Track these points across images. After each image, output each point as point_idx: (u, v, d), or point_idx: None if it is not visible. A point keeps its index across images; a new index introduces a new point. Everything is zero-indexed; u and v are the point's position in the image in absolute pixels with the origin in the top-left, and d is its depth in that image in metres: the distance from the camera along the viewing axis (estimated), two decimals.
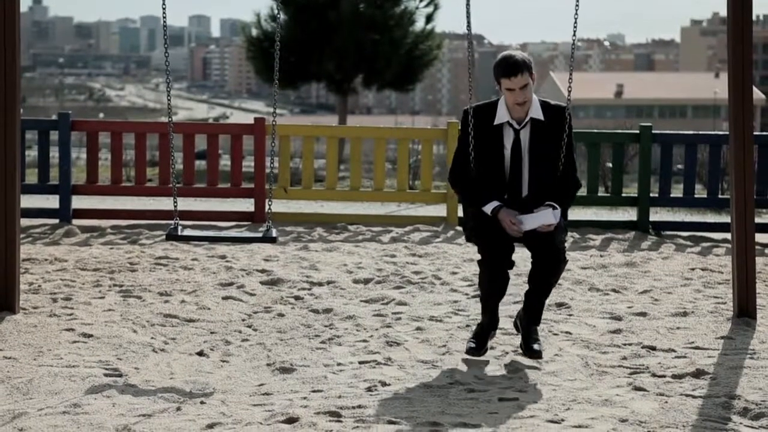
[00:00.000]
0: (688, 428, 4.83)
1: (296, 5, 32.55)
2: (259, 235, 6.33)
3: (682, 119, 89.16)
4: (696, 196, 11.71)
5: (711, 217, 12.58)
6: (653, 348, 6.37)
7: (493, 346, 6.24)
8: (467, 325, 6.96)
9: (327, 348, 6.40)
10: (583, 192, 10.85)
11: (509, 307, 7.02)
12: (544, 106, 5.88)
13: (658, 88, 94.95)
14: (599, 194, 12.07)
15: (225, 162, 15.99)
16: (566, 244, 5.95)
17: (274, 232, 6.25)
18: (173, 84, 6.81)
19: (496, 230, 5.79)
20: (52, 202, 11.68)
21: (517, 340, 6.33)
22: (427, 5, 34.09)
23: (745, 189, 7.05)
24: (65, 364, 5.88)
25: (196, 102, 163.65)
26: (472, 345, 5.97)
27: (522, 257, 6.47)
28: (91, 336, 6.51)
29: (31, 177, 12.59)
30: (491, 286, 5.90)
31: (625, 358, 6.15)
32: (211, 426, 4.82)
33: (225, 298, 7.72)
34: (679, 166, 13.17)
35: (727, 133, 7.50)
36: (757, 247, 8.06)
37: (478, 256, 5.93)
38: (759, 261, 8.68)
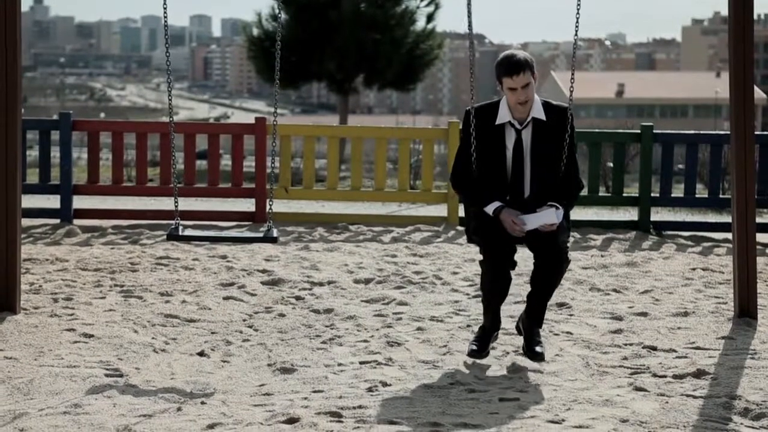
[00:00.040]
0: (689, 428, 4.83)
1: (297, 5, 32.57)
2: (260, 235, 6.33)
3: (683, 119, 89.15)
4: (697, 195, 11.71)
5: (712, 217, 12.58)
6: (654, 348, 6.36)
7: (493, 346, 6.24)
8: (468, 325, 6.95)
9: (328, 348, 6.40)
10: (584, 192, 10.85)
11: (510, 307, 7.01)
12: (546, 106, 5.84)
13: (659, 87, 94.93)
14: (600, 194, 12.06)
15: (226, 162, 15.97)
16: (568, 245, 5.91)
17: (275, 232, 6.25)
18: (174, 84, 6.82)
19: (497, 230, 5.76)
20: (53, 202, 11.68)
21: (518, 340, 6.32)
22: (428, 5, 34.12)
23: (746, 189, 7.05)
24: (66, 364, 5.89)
25: (197, 102, 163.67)
26: (474, 347, 5.93)
27: (523, 257, 6.46)
28: (91, 336, 6.51)
29: (33, 177, 12.59)
30: (493, 287, 5.86)
31: (625, 359, 6.14)
32: (211, 426, 4.82)
33: (226, 298, 7.73)
34: (680, 166, 13.20)
35: (728, 132, 7.50)
36: (758, 247, 8.06)
37: (480, 257, 5.89)
38: (760, 261, 8.68)
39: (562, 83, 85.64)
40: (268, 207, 6.53)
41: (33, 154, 17.30)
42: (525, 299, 7.43)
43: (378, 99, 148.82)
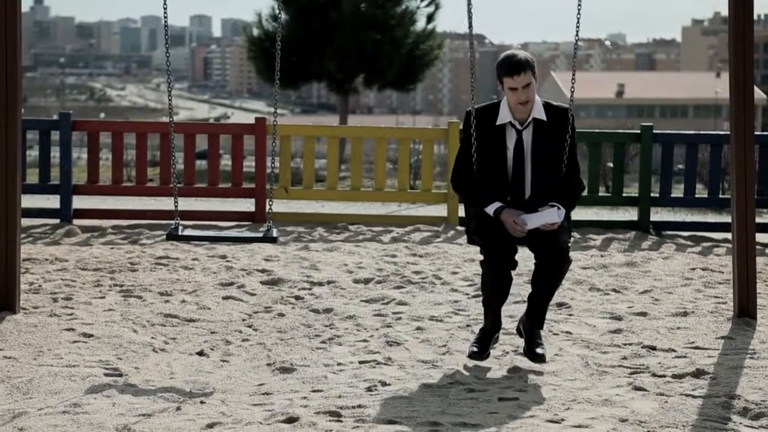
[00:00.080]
0: (688, 428, 4.83)
1: (297, 5, 32.58)
2: (260, 235, 6.33)
3: (683, 119, 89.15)
4: (697, 196, 11.71)
5: (712, 217, 12.58)
6: (653, 348, 6.36)
7: (493, 346, 6.23)
8: (467, 325, 6.96)
9: (327, 348, 6.40)
10: (583, 192, 10.85)
11: (510, 307, 7.01)
12: (547, 107, 5.82)
13: (659, 87, 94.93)
14: (600, 194, 12.07)
15: (226, 162, 15.98)
16: (569, 245, 5.88)
17: (274, 232, 6.25)
18: (174, 84, 6.82)
19: (498, 230, 5.73)
20: (52, 202, 11.68)
21: (517, 339, 6.32)
22: (428, 5, 34.13)
23: (746, 189, 7.05)
24: (65, 363, 5.89)
25: (197, 102, 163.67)
26: (475, 349, 5.89)
27: (523, 257, 6.46)
28: (91, 336, 6.51)
29: (32, 177, 12.59)
30: (494, 287, 5.82)
31: (625, 358, 6.15)
32: (211, 426, 4.82)
33: (225, 297, 7.73)
34: (680, 166, 13.20)
35: (728, 132, 7.51)
36: (757, 247, 8.06)
37: (480, 257, 5.87)
38: (759, 261, 8.68)
39: (562, 83, 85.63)
40: (267, 207, 6.53)
41: (33, 154, 17.30)
42: (525, 299, 7.43)
43: (378, 99, 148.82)
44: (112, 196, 12.42)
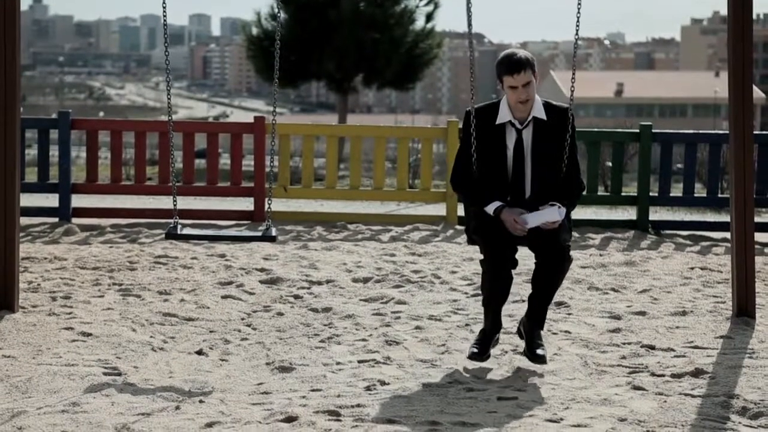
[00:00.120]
0: (687, 427, 4.83)
1: (297, 4, 32.60)
2: (259, 234, 6.33)
3: (682, 118, 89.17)
4: (696, 195, 11.72)
5: (710, 217, 12.59)
6: (652, 347, 6.36)
7: (493, 347, 6.21)
8: (466, 324, 6.96)
9: (326, 347, 6.40)
10: (584, 192, 10.84)
11: (509, 306, 7.00)
12: (547, 106, 5.80)
13: (658, 87, 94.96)
14: (599, 193, 12.07)
15: (225, 161, 15.98)
16: (569, 244, 5.85)
17: (273, 231, 6.25)
18: (173, 83, 6.81)
19: (498, 229, 5.70)
20: (51, 200, 11.68)
21: (516, 338, 6.32)
22: (427, 4, 34.16)
23: (745, 188, 7.05)
24: (64, 362, 5.88)
25: (196, 101, 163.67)
26: (475, 350, 5.83)
27: (523, 256, 6.45)
28: (90, 335, 6.51)
29: (31, 176, 12.59)
30: (494, 287, 5.77)
31: (624, 358, 6.15)
32: (210, 425, 4.82)
33: (224, 297, 7.73)
34: (679, 165, 13.16)
35: (727, 132, 7.50)
36: (756, 246, 8.07)
37: (480, 256, 5.83)
38: (758, 260, 8.68)
39: (562, 83, 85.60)
40: (266, 206, 6.53)
41: (32, 152, 17.28)
42: (524, 299, 7.43)
43: (377, 98, 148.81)
44: (111, 195, 12.42)
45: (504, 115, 5.78)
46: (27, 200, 10.37)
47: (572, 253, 5.74)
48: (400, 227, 11.12)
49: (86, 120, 12.06)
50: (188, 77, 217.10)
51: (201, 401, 5.21)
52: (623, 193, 11.78)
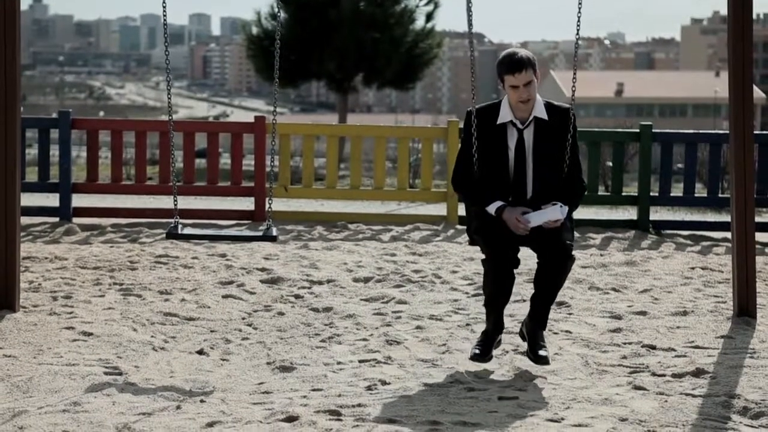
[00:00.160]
0: (688, 427, 4.83)
1: (297, 4, 32.61)
2: (260, 233, 6.33)
3: (682, 118, 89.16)
4: (696, 195, 11.71)
5: (711, 216, 12.58)
6: (653, 347, 6.36)
7: (495, 349, 6.17)
8: (467, 324, 6.96)
9: (327, 347, 6.40)
10: (585, 192, 10.84)
11: (510, 306, 6.98)
12: (548, 106, 5.77)
13: (659, 86, 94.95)
14: (599, 193, 12.07)
15: (225, 160, 16.00)
16: (571, 242, 5.81)
17: (274, 231, 6.25)
18: (173, 82, 6.81)
19: (500, 228, 5.66)
20: (52, 200, 11.68)
21: (517, 338, 6.31)
22: (427, 4, 34.17)
23: (746, 188, 7.05)
24: (65, 362, 5.88)
25: (196, 100, 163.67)
26: (477, 351, 5.77)
27: (524, 256, 6.45)
28: (91, 334, 6.51)
29: (32, 175, 12.59)
30: (496, 287, 5.71)
31: (625, 357, 6.14)
32: (211, 424, 4.82)
33: (225, 296, 7.73)
34: (680, 165, 13.19)
35: (728, 132, 7.50)
36: (757, 246, 8.06)
37: (482, 256, 5.80)
38: (759, 260, 8.68)
39: (562, 82, 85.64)
40: (267, 205, 6.53)
41: (32, 152, 17.29)
42: (524, 299, 7.43)
43: (377, 98, 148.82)
44: (112, 195, 12.42)
45: (505, 115, 5.76)
46: (28, 200, 10.37)
47: (573, 253, 5.72)
48: (400, 227, 11.13)
49: (87, 119, 12.06)
50: (188, 77, 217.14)
51: (202, 401, 5.21)
52: (624, 193, 11.78)
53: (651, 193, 11.48)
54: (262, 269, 8.68)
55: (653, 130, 11.44)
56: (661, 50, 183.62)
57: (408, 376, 5.74)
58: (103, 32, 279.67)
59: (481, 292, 6.23)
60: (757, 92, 74.33)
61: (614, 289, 8.13)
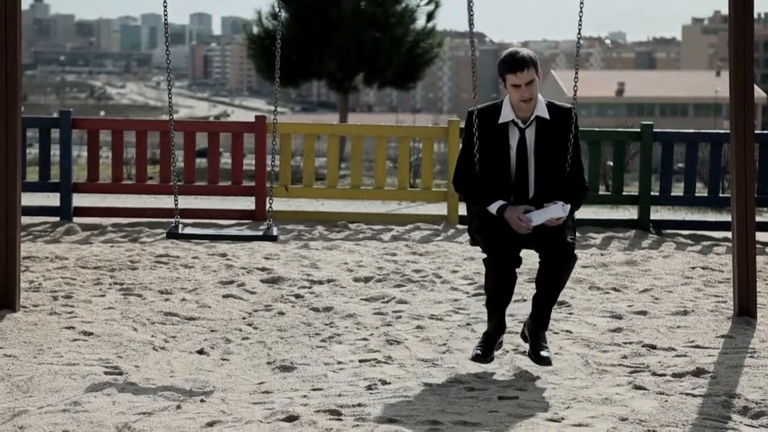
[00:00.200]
0: (688, 427, 4.83)
1: (297, 3, 32.61)
2: (260, 233, 6.33)
3: (683, 118, 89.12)
4: (697, 194, 11.71)
5: (712, 216, 12.58)
6: (653, 347, 6.36)
7: (497, 350, 6.15)
8: (468, 324, 6.95)
9: (327, 346, 6.40)
10: (588, 192, 10.84)
11: (510, 306, 6.97)
12: (550, 106, 5.75)
13: (660, 86, 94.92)
14: (600, 193, 12.07)
15: (226, 160, 15.98)
16: (572, 240, 5.79)
17: (274, 231, 6.24)
18: (174, 82, 6.81)
19: (501, 226, 5.64)
20: (52, 200, 11.68)
21: (517, 338, 6.32)
22: (428, 3, 34.16)
23: (746, 187, 7.05)
24: (65, 362, 5.89)
25: (197, 100, 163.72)
26: (479, 352, 5.74)
27: (525, 254, 6.44)
28: (91, 334, 6.51)
29: (32, 175, 12.60)
30: (497, 286, 5.67)
31: (625, 357, 6.14)
32: (211, 424, 4.82)
33: (225, 296, 7.73)
34: (680, 165, 13.18)
35: (728, 131, 7.51)
36: (757, 245, 8.05)
37: (483, 256, 5.77)
38: (760, 260, 8.68)
39: (563, 82, 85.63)
40: (267, 205, 6.52)
41: (33, 152, 17.28)
42: (525, 298, 7.43)
43: (378, 97, 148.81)
44: (112, 194, 12.43)
45: (507, 115, 5.75)
46: (28, 199, 10.37)
47: (575, 252, 5.71)
48: (401, 226, 11.13)
49: (87, 119, 12.07)
50: (189, 76, 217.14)
51: (202, 400, 5.21)
52: (624, 193, 11.77)
53: (652, 193, 11.48)
54: (263, 269, 8.68)
55: (654, 130, 11.44)
56: (662, 50, 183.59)
57: (408, 375, 5.74)
58: (104, 32, 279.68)
59: (482, 291, 6.22)
60: (758, 92, 74.36)
61: (615, 289, 8.13)
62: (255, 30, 33.94)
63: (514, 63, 5.63)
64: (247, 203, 11.99)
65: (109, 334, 6.53)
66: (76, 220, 11.26)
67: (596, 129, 12.96)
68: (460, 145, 5.99)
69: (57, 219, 11.26)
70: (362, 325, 6.91)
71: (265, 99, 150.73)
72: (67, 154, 11.44)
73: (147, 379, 5.60)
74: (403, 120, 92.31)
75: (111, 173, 11.71)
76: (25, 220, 10.21)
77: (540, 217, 5.58)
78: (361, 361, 6.04)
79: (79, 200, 11.70)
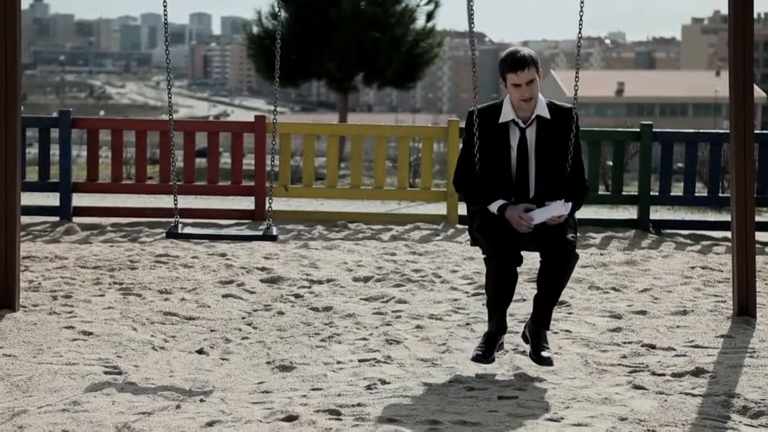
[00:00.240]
0: (688, 427, 4.83)
1: (297, 3, 32.59)
2: (260, 233, 6.33)
3: (682, 117, 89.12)
4: (696, 194, 11.72)
5: (711, 216, 12.58)
6: (653, 346, 6.36)
7: (498, 351, 6.14)
8: (467, 324, 6.95)
9: (327, 346, 6.40)
10: (589, 192, 10.84)
11: (510, 305, 6.98)
12: (551, 106, 5.74)
13: (659, 86, 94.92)
14: (600, 192, 12.07)
15: (225, 160, 15.99)
16: (574, 239, 5.77)
17: (274, 230, 6.24)
18: (174, 82, 6.81)
19: (502, 225, 5.63)
20: (52, 199, 11.68)
21: (517, 338, 6.32)
22: (427, 3, 34.15)
23: (746, 187, 7.05)
24: (65, 361, 5.89)
25: (196, 100, 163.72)
26: (479, 353, 5.72)
27: (525, 254, 6.44)
28: (90, 334, 6.51)
29: (32, 174, 12.59)
30: (498, 286, 5.66)
31: (624, 357, 6.14)
32: (210, 424, 4.82)
33: (225, 296, 7.73)
34: (680, 165, 13.19)
35: (728, 131, 7.50)
36: (757, 245, 8.05)
37: (483, 256, 5.76)
38: (759, 259, 8.68)
39: (562, 82, 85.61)
40: (267, 205, 6.53)
41: (32, 151, 17.29)
42: (525, 298, 7.43)
43: (378, 97, 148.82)
44: (112, 194, 12.43)
45: (507, 114, 5.74)
46: (28, 199, 10.37)
47: (576, 251, 5.70)
48: (400, 226, 11.13)
49: (87, 119, 12.06)
50: (189, 76, 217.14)
51: (202, 400, 5.21)
52: (624, 193, 11.78)
53: (651, 193, 11.48)
54: (262, 269, 8.68)
55: (654, 130, 11.45)
56: (661, 50, 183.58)
57: (408, 375, 5.74)
58: (103, 31, 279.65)
59: (481, 291, 6.22)
60: (758, 92, 74.36)
61: (614, 289, 8.13)
62: (255, 30, 33.93)
63: (514, 62, 5.62)
64: (247, 203, 11.99)
65: (108, 333, 6.53)
66: (76, 219, 11.26)
67: (596, 129, 12.97)
68: (460, 145, 5.98)
69: (56, 219, 11.26)
70: (362, 325, 6.92)
71: (265, 99, 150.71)
72: (67, 153, 11.44)
73: (146, 379, 5.60)
74: (403, 120, 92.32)
75: (110, 173, 11.71)
76: (25, 219, 10.21)
77: (541, 215, 5.57)
78: (360, 360, 6.04)
79: (78, 200, 11.70)
